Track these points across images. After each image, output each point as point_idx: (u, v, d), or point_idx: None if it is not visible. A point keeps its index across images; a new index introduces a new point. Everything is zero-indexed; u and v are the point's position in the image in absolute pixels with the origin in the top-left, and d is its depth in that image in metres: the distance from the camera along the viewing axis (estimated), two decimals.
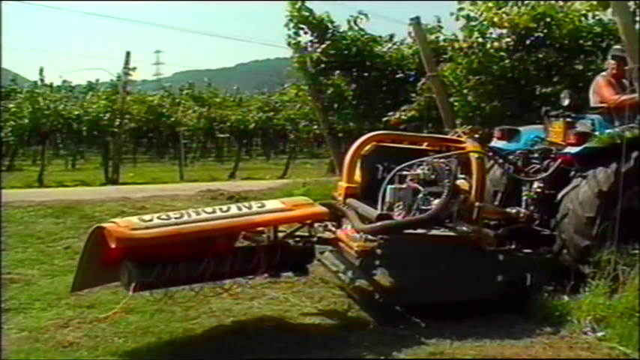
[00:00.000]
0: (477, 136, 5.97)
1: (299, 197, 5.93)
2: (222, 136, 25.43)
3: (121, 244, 4.31)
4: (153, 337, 4.77)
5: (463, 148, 5.76)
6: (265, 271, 5.07)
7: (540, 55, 9.65)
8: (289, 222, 5.13)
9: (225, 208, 4.86)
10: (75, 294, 5.26)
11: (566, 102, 6.63)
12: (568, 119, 6.44)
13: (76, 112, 18.60)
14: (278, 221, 5.01)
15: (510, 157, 6.64)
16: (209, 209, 4.82)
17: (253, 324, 5.06)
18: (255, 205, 4.94)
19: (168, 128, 23.61)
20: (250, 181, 17.73)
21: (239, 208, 4.85)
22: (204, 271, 4.59)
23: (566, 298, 5.21)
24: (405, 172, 5.64)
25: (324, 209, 5.19)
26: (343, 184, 5.94)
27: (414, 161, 5.69)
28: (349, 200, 5.76)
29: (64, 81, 26.27)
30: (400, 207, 5.43)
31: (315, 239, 5.37)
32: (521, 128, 7.02)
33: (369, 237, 5.10)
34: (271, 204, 5.03)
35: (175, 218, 4.56)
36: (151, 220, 4.51)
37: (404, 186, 5.53)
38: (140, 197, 12.01)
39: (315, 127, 15.99)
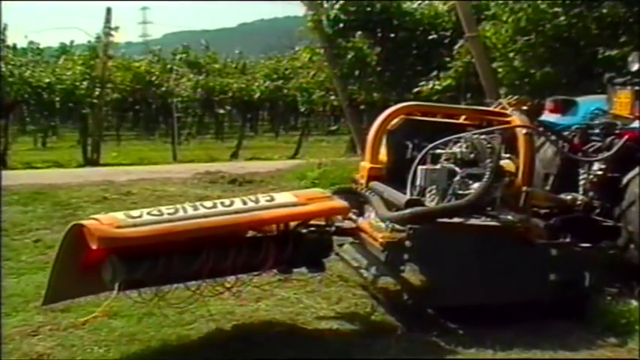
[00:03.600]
0: (524, 108, 5.92)
1: (314, 189, 5.96)
2: (222, 110, 25.47)
3: (104, 245, 4.30)
4: (141, 345, 4.78)
5: (508, 123, 5.72)
6: (274, 267, 5.07)
7: (604, 11, 9.55)
8: (303, 219, 5.12)
9: (227, 202, 4.86)
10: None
11: (635, 67, 6.55)
12: (637, 87, 6.37)
13: (47, 80, 18.67)
14: (289, 218, 5.01)
15: (565, 133, 6.60)
16: (208, 203, 4.82)
17: (259, 329, 5.08)
18: (262, 199, 4.95)
19: (158, 99, 23.74)
20: (256, 161, 17.77)
21: (244, 202, 4.86)
22: (202, 266, 4.59)
23: (634, 302, 5.18)
24: (439, 151, 5.62)
25: (344, 204, 5.22)
26: (366, 164, 5.93)
27: (449, 138, 5.66)
28: (373, 184, 5.76)
29: (31, 42, 26.50)
30: (433, 191, 5.41)
31: (332, 229, 5.37)
32: (578, 99, 6.97)
33: (397, 226, 5.10)
34: (282, 197, 5.04)
35: (169, 214, 4.56)
36: (139, 217, 4.50)
37: (437, 167, 5.51)
38: (125, 181, 12.07)
39: (333, 97, 16.01)
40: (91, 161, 17.23)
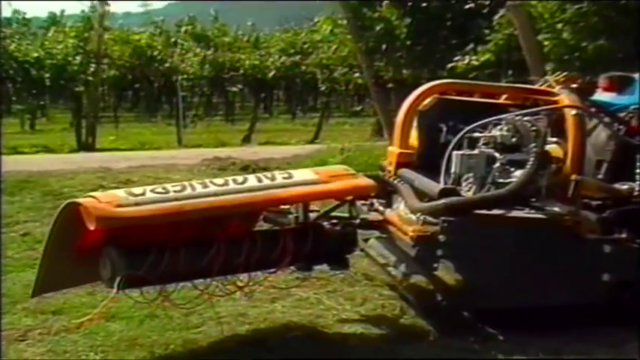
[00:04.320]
0: (574, 86, 5.91)
1: (337, 166, 5.94)
2: (233, 88, 25.51)
3: (103, 226, 4.30)
4: (142, 351, 4.81)
5: (556, 103, 5.71)
6: (292, 264, 5.09)
7: None
8: (324, 198, 5.16)
9: (240, 179, 4.85)
10: (37, 297, 5.19)
11: None
12: None
13: (35, 54, 18.80)
14: (310, 197, 5.03)
15: (621, 114, 6.56)
16: (219, 181, 4.81)
17: (275, 333, 5.10)
18: (279, 176, 4.95)
19: (160, 77, 23.86)
20: (271, 146, 17.86)
21: (259, 180, 4.86)
22: (212, 262, 4.60)
23: None
24: (476, 134, 5.61)
25: (370, 181, 5.20)
26: (394, 150, 5.94)
27: (488, 119, 5.65)
28: (402, 171, 5.77)
29: (16, 11, 26.52)
30: (470, 180, 5.40)
31: (357, 222, 5.39)
32: (636, 75, 6.93)
33: (429, 219, 5.10)
34: (301, 174, 5.03)
35: (175, 192, 4.54)
36: (142, 194, 4.49)
37: (475, 152, 5.50)
38: (125, 168, 12.19)
39: (357, 75, 15.98)
40: (86, 146, 17.36)
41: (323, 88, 22.63)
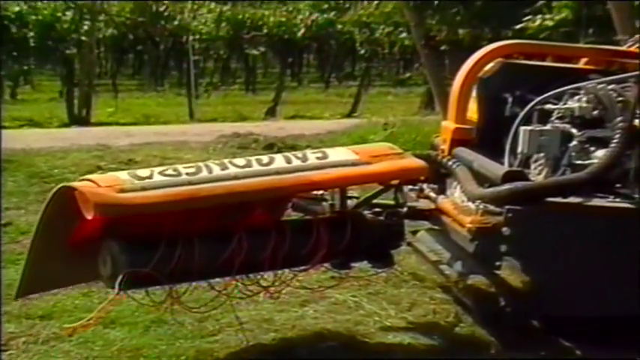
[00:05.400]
0: None
1: (380, 144, 5.93)
2: (254, 51, 25.53)
3: (103, 215, 4.32)
4: None
5: None
6: (326, 260, 5.10)
7: None
8: (366, 182, 5.17)
9: (265, 159, 4.86)
10: (22, 299, 5.23)
11: None
12: None
13: (16, 9, 18.81)
14: (348, 181, 5.04)
15: None
16: (240, 161, 4.83)
17: (306, 343, 5.13)
18: (312, 156, 4.96)
19: (168, 37, 23.89)
20: (300, 121, 17.96)
21: (287, 160, 4.86)
22: (231, 257, 4.60)
23: None
24: (549, 106, 5.59)
25: (420, 162, 5.20)
26: (449, 125, 5.95)
27: (564, 88, 5.63)
28: (459, 150, 5.78)
29: None
30: (541, 161, 5.38)
31: (404, 210, 5.38)
32: None
33: (491, 208, 5.08)
34: (337, 154, 5.04)
35: (188, 175, 4.55)
36: (149, 177, 4.50)
37: (547, 127, 5.48)
38: (126, 146, 12.32)
39: (403, 35, 15.94)
40: (79, 119, 17.49)
41: (362, 52, 22.62)
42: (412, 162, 5.16)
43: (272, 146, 12.17)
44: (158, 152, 11.56)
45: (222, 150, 12.10)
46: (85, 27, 18.10)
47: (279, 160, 4.85)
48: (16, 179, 9.80)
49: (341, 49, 26.93)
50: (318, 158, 4.92)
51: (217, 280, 4.92)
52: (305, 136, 13.57)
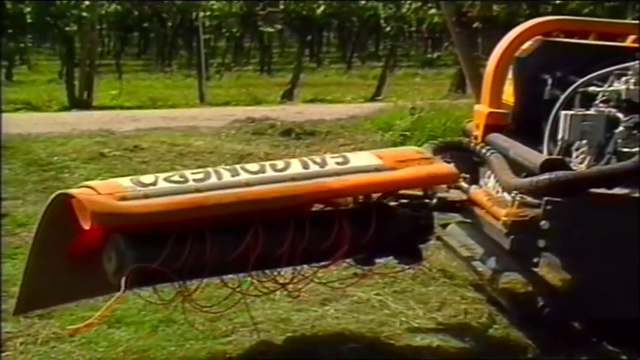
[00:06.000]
0: None
1: (407, 148, 5.96)
2: (270, 29, 25.54)
3: (101, 224, 4.38)
4: None
5: None
6: (349, 256, 5.12)
7: None
8: (390, 189, 5.18)
9: (280, 164, 4.90)
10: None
11: None
12: None
13: None
14: (371, 188, 5.07)
15: None
16: (253, 166, 4.87)
17: (326, 344, 5.14)
18: (331, 161, 5.00)
19: (176, 14, 23.91)
20: (319, 104, 17.96)
21: (304, 165, 4.90)
22: (246, 252, 4.62)
23: None
24: (592, 89, 5.59)
25: (451, 168, 5.27)
26: (483, 109, 5.98)
27: (609, 69, 5.60)
28: (493, 136, 5.81)
29: None
30: (584, 148, 5.39)
31: (433, 202, 5.40)
32: None
33: (529, 199, 5.09)
34: (359, 159, 5.09)
35: (196, 181, 4.60)
36: (153, 184, 4.55)
37: (591, 112, 5.48)
38: (131, 131, 12.38)
39: (433, 11, 15.95)
40: (80, 102, 17.47)
41: (387, 29, 22.58)
42: (442, 167, 5.22)
43: (290, 132, 12.23)
44: (166, 138, 11.58)
45: (235, 136, 12.14)
46: (87, 2, 18.09)
47: (295, 166, 4.89)
48: (12, 167, 9.83)
49: (364, 26, 26.91)
50: (337, 163, 4.97)
51: (231, 276, 4.98)
52: (325, 121, 13.54)
